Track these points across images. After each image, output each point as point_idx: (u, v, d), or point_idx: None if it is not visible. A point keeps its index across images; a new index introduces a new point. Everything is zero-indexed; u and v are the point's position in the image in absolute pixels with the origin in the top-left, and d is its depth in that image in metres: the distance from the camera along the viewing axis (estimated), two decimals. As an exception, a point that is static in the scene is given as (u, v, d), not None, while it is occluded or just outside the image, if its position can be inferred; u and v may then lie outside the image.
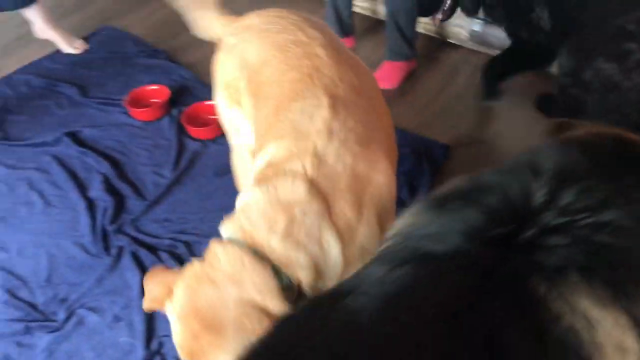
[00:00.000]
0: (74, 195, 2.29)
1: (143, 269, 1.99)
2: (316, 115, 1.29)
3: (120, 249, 2.07)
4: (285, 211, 1.19)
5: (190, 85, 2.85)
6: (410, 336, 0.61)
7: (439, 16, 2.60)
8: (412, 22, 2.70)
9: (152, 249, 2.07)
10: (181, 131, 2.57)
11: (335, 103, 1.32)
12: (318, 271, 1.20)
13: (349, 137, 1.27)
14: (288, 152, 1.27)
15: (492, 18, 2.53)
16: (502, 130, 2.54)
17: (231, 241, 1.22)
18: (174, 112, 2.67)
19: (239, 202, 1.30)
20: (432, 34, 3.14)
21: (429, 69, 2.93)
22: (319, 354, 0.62)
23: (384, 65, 2.80)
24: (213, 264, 1.20)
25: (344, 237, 1.20)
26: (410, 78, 2.85)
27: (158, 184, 2.35)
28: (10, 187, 2.36)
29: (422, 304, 0.65)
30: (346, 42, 3.02)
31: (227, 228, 1.26)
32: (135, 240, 2.11)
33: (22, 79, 2.96)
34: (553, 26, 2.17)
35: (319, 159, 1.23)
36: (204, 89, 2.79)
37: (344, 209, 1.21)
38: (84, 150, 2.49)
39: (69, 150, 2.51)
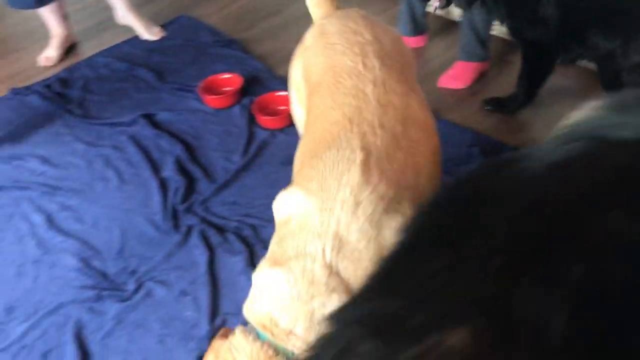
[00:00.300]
0: (147, 174, 2.38)
1: (210, 248, 2.05)
2: (345, 178, 1.22)
3: (190, 228, 2.14)
4: (305, 304, 1.15)
5: (262, 76, 2.90)
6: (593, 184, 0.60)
7: (437, 3, 2.55)
8: (488, 24, 2.68)
9: (219, 230, 2.13)
10: (251, 120, 2.63)
11: (369, 160, 1.24)
12: None
13: (377, 208, 1.19)
14: (309, 219, 1.21)
15: (492, 14, 2.49)
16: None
17: (254, 333, 1.20)
18: (245, 101, 2.73)
19: (258, 277, 1.26)
20: (506, 37, 3.09)
21: (501, 71, 2.89)
22: (509, 199, 0.62)
23: (457, 65, 2.78)
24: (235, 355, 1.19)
25: None
26: (481, 79, 2.82)
27: (227, 169, 2.41)
28: (89, 163, 2.47)
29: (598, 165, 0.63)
30: (418, 41, 3.02)
31: (250, 313, 1.24)
32: (204, 220, 2.17)
33: (102, 61, 3.10)
34: (562, 20, 2.14)
35: (339, 240, 1.17)
36: (275, 80, 2.85)
37: None
38: (159, 132, 2.59)
39: (144, 131, 2.60)
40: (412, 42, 3.03)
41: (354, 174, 1.22)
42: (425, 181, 1.33)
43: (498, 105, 2.60)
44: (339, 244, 1.17)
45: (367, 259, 1.16)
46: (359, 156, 1.24)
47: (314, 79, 1.51)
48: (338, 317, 0.64)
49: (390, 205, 1.20)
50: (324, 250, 1.16)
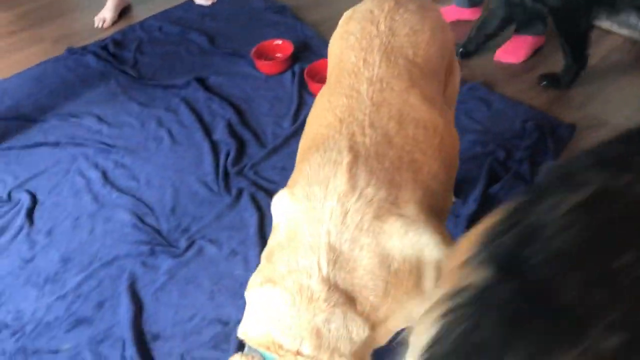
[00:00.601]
0: (199, 136, 2.42)
1: (260, 210, 2.08)
2: (332, 185, 1.16)
3: (240, 190, 2.17)
4: (308, 323, 1.09)
5: (313, 43, 2.90)
6: None
7: None
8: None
9: (269, 194, 2.15)
10: (302, 86, 2.63)
11: (356, 161, 1.18)
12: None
13: (366, 214, 1.13)
14: (298, 230, 1.15)
15: None
16: (632, 115, 2.42)
17: (257, 356, 1.14)
18: (296, 67, 2.73)
19: (251, 295, 1.20)
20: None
21: (557, 47, 2.82)
22: None
23: (513, 39, 2.72)
24: None
25: (372, 322, 1.13)
26: (537, 54, 2.76)
27: (277, 134, 2.42)
28: (142, 123, 2.52)
29: None
30: (473, 13, 2.97)
31: (249, 335, 1.17)
32: (254, 183, 2.20)
33: (155, 25, 3.13)
34: None
35: (333, 252, 1.11)
36: (325, 47, 2.82)
37: (367, 295, 1.11)
38: (210, 95, 2.61)
39: (196, 94, 2.63)
40: (468, 13, 2.98)
41: (340, 179, 1.16)
42: (429, 178, 1.25)
43: (553, 80, 2.55)
44: (334, 255, 1.11)
45: (362, 268, 1.11)
46: (345, 158, 1.18)
47: (329, 70, 1.45)
48: None
49: (381, 208, 1.14)
50: (319, 264, 1.10)
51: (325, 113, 1.31)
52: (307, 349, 1.08)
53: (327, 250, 1.11)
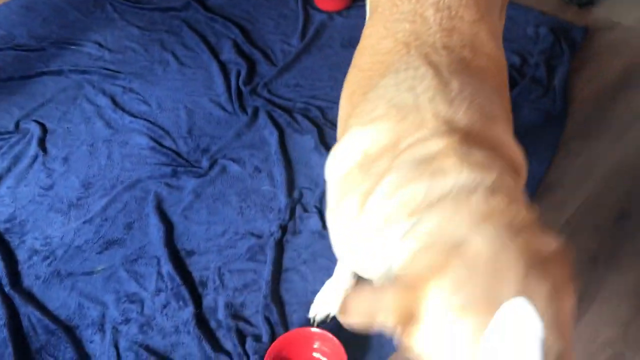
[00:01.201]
0: (206, 57, 2.35)
1: (279, 128, 2.06)
2: (419, 86, 1.04)
3: (256, 109, 2.13)
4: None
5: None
6: None
7: None
8: None
9: (286, 111, 2.12)
10: (307, 2, 2.56)
11: (440, 71, 1.07)
12: None
13: (472, 106, 1.01)
14: (396, 134, 1.00)
15: None
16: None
17: None
18: (298, -16, 2.65)
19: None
20: None
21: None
22: None
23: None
24: None
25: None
26: None
27: (286, 52, 2.37)
28: (145, 47, 2.44)
29: None
30: None
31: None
32: (270, 102, 2.16)
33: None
34: None
35: (452, 127, 0.98)
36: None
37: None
38: (212, 16, 2.53)
39: (197, 15, 2.55)
40: None
41: (428, 81, 1.04)
42: (499, 111, 1.12)
43: None
44: (454, 131, 0.98)
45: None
46: (425, 70, 1.07)
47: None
48: None
49: (485, 114, 1.04)
50: (442, 138, 0.97)
51: (382, 41, 1.20)
52: None
53: (442, 123, 0.98)
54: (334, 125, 1.89)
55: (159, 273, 1.70)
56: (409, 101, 1.03)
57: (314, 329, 1.50)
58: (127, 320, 1.62)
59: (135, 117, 2.15)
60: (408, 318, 0.79)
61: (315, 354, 1.49)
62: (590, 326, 1.54)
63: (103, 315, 1.63)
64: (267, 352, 1.46)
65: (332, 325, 1.53)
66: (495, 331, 0.63)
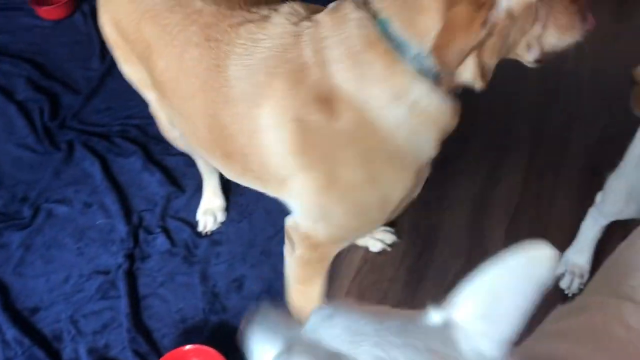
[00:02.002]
0: (0, 101, 2.16)
1: (100, 156, 1.95)
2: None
3: (70, 142, 2.00)
4: None
5: (94, -21, 2.68)
6: None
7: None
8: None
9: (103, 137, 2.02)
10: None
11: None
12: None
13: None
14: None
15: None
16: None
17: None
18: (85, 7, 2.52)
19: None
20: None
21: None
22: None
23: None
24: None
25: None
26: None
27: (89, 77, 2.25)
28: None
29: None
30: None
31: None
32: (83, 131, 2.04)
33: None
34: None
35: None
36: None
37: None
38: (-3, 57, 2.33)
39: (-22, 60, 2.33)
40: None
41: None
42: None
43: None
44: None
45: None
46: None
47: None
48: None
49: None
50: None
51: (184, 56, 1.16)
52: None
53: None
54: (158, 140, 1.83)
55: (4, 341, 1.55)
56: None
57: (188, 347, 1.45)
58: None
59: None
60: None
61: (195, 370, 1.45)
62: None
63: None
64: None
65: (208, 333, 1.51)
66: None
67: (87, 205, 1.84)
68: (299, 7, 1.09)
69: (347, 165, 1.06)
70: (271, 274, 1.65)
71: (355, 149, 1.04)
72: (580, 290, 1.56)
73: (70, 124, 2.07)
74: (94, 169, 1.92)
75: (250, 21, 1.10)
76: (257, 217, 1.79)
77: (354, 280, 1.65)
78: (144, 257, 1.71)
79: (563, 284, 1.60)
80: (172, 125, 1.45)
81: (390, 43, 0.95)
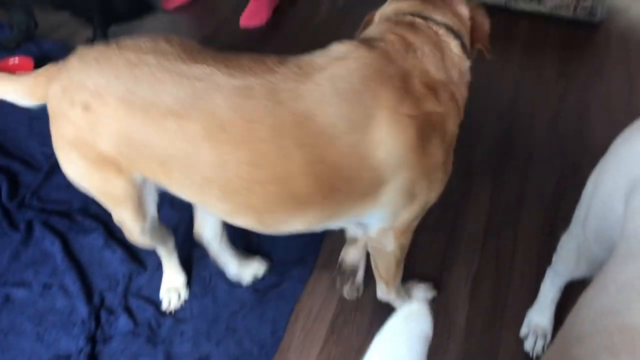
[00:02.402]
0: (-44, 183, 2.13)
1: (60, 234, 1.93)
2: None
3: (29, 222, 1.97)
4: None
5: (56, 54, 2.70)
6: None
7: None
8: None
9: (64, 215, 2.00)
10: (58, 99, 2.45)
11: None
12: None
13: None
14: None
15: None
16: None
17: None
18: (43, 82, 2.52)
19: None
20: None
21: (293, 2, 3.03)
22: None
23: (250, 4, 2.85)
24: None
25: None
26: (276, 13, 2.93)
27: (48, 153, 2.23)
28: None
29: None
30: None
31: None
32: (43, 210, 2.02)
33: None
34: None
35: None
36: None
37: None
38: (-47, 136, 2.30)
39: None
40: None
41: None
42: None
43: None
44: None
45: None
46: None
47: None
48: None
49: None
50: None
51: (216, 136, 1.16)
52: None
53: None
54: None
55: None
56: None
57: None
58: None
59: None
60: None
61: None
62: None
63: None
64: None
65: None
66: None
67: (47, 286, 1.80)
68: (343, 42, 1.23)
69: (436, 145, 1.21)
70: (237, 350, 1.63)
71: (442, 127, 1.22)
72: (544, 350, 1.58)
73: (30, 202, 2.05)
74: (54, 248, 1.89)
75: (299, 69, 1.16)
76: (221, 291, 1.77)
77: (322, 352, 1.64)
78: (106, 339, 1.67)
79: (527, 346, 1.62)
80: (143, 232, 1.49)
81: (459, 42, 1.27)
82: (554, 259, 1.55)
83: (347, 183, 1.18)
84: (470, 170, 2.13)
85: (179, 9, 3.00)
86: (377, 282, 1.64)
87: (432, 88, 1.20)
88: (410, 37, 1.22)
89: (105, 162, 1.28)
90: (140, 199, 1.40)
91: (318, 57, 1.19)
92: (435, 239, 1.90)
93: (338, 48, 1.20)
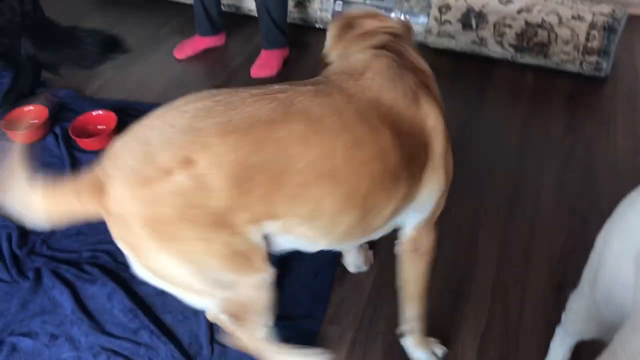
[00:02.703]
0: (-32, 228, 2.15)
1: (69, 284, 1.93)
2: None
3: (38, 270, 1.98)
4: None
5: (70, 101, 2.76)
6: None
7: None
8: (283, 10, 2.84)
9: (73, 264, 2.01)
10: (70, 146, 2.50)
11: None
12: None
13: None
14: None
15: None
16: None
17: None
18: (57, 129, 2.58)
19: None
20: (299, 22, 3.30)
21: (302, 54, 3.09)
22: None
23: (262, 55, 2.91)
24: None
25: None
26: (286, 64, 2.99)
27: (59, 201, 2.26)
28: None
29: None
30: (217, 40, 3.10)
31: None
32: (53, 258, 2.03)
33: None
34: None
35: None
36: (83, 103, 2.74)
37: None
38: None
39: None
40: (211, 41, 3.09)
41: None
42: None
43: None
44: None
45: None
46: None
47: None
48: None
49: None
50: None
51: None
52: None
53: None
54: (126, 266, 1.82)
55: None
56: None
57: None
58: None
59: None
60: None
61: None
62: None
63: None
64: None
65: None
66: None
67: (54, 337, 1.80)
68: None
69: (445, 125, 1.41)
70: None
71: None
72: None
73: (39, 250, 2.06)
74: (63, 298, 1.89)
75: (347, 75, 1.36)
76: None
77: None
78: (111, 393, 1.66)
79: (537, 407, 1.59)
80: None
81: None
82: (563, 317, 1.54)
83: (418, 151, 1.35)
84: (477, 225, 2.13)
85: (191, 59, 3.06)
86: (408, 324, 1.68)
87: (426, 76, 1.47)
88: (391, 48, 1.47)
89: (222, 221, 1.16)
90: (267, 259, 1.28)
91: (354, 64, 1.39)
92: (443, 296, 1.89)
93: (361, 56, 1.41)
